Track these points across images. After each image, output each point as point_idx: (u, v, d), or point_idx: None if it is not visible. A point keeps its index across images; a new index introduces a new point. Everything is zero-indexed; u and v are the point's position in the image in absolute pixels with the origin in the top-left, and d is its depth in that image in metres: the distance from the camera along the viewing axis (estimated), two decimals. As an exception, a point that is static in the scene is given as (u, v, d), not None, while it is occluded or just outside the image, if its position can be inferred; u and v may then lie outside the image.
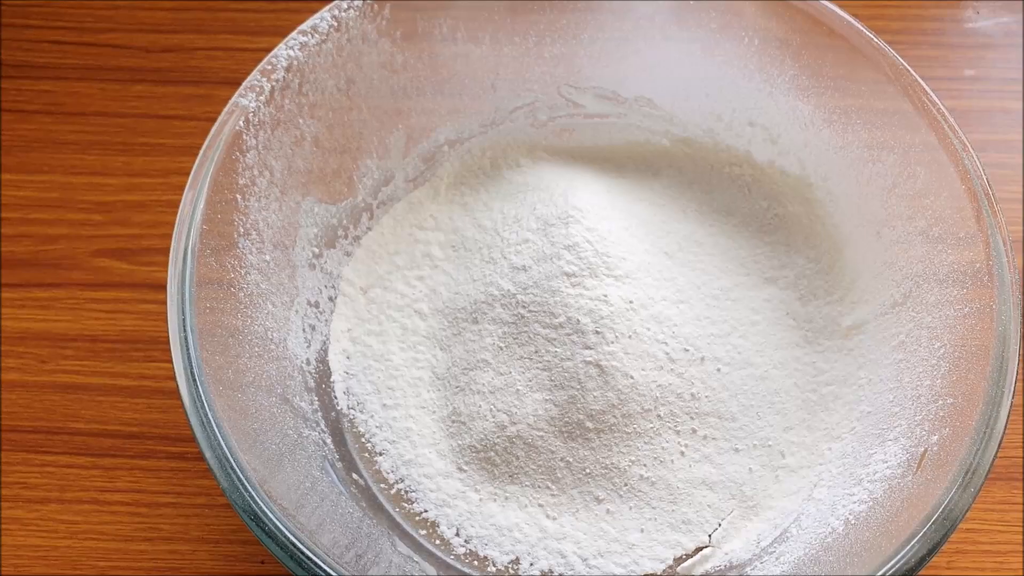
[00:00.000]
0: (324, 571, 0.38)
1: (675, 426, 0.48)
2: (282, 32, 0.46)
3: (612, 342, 0.48)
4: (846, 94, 0.50)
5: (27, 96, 0.64)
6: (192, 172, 0.44)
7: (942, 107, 0.46)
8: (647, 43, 0.54)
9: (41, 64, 0.65)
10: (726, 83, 0.54)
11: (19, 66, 0.65)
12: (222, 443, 0.39)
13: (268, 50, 0.46)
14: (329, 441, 0.49)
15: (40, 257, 0.59)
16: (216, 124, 0.45)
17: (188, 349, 0.40)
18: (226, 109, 0.45)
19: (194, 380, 0.40)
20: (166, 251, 0.41)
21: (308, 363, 0.50)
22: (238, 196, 0.46)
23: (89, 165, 0.62)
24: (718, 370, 0.50)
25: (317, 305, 0.52)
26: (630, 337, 0.49)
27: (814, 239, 0.54)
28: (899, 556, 0.38)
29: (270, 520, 0.38)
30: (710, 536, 0.47)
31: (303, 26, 0.48)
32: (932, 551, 0.38)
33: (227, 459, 0.39)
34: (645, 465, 0.48)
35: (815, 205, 0.54)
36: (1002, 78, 0.65)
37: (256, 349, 0.46)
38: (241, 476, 0.39)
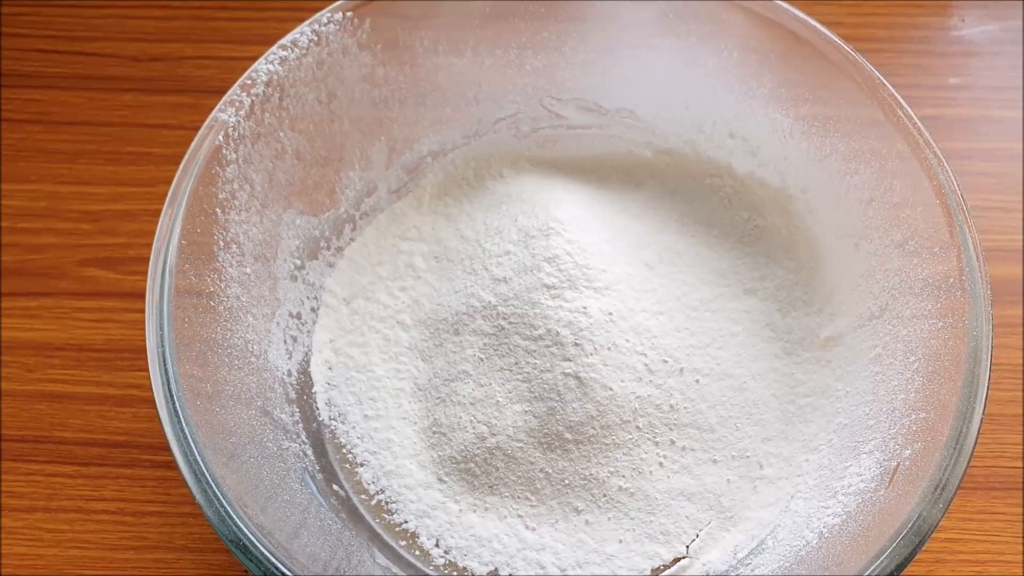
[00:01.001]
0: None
1: (654, 437, 0.49)
2: (270, 41, 0.46)
3: (591, 354, 0.48)
4: (825, 105, 0.51)
5: (15, 105, 0.65)
6: (171, 187, 0.44)
7: (916, 119, 0.46)
8: (629, 54, 0.54)
9: (29, 73, 0.66)
10: (707, 94, 0.54)
11: (7, 75, 0.66)
12: (198, 458, 0.40)
13: (255, 59, 0.46)
14: (310, 452, 0.49)
15: (27, 266, 0.59)
16: (196, 138, 0.45)
17: (165, 364, 0.41)
18: (206, 123, 0.45)
19: (171, 395, 0.40)
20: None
21: (289, 375, 0.51)
22: (218, 210, 0.46)
23: (77, 174, 0.62)
24: (697, 381, 0.50)
25: (299, 316, 0.52)
26: (609, 349, 0.49)
27: (794, 250, 0.54)
28: (869, 570, 0.39)
29: (245, 536, 0.39)
30: (688, 547, 0.48)
31: (283, 40, 0.48)
32: (902, 565, 0.39)
33: (203, 474, 0.39)
34: (624, 476, 0.48)
35: (795, 216, 0.54)
36: (988, 86, 0.65)
37: (236, 361, 0.46)
38: (217, 492, 0.39)
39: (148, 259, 0.42)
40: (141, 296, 0.57)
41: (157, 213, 0.42)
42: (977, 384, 0.41)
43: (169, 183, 0.43)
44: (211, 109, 0.44)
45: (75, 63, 0.66)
